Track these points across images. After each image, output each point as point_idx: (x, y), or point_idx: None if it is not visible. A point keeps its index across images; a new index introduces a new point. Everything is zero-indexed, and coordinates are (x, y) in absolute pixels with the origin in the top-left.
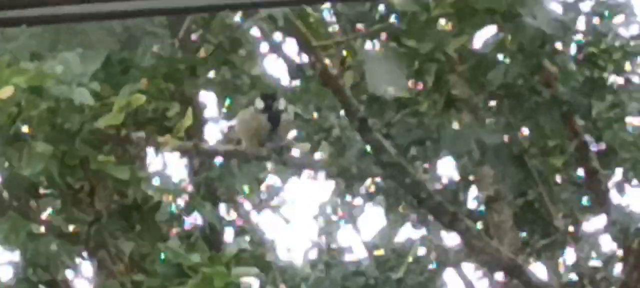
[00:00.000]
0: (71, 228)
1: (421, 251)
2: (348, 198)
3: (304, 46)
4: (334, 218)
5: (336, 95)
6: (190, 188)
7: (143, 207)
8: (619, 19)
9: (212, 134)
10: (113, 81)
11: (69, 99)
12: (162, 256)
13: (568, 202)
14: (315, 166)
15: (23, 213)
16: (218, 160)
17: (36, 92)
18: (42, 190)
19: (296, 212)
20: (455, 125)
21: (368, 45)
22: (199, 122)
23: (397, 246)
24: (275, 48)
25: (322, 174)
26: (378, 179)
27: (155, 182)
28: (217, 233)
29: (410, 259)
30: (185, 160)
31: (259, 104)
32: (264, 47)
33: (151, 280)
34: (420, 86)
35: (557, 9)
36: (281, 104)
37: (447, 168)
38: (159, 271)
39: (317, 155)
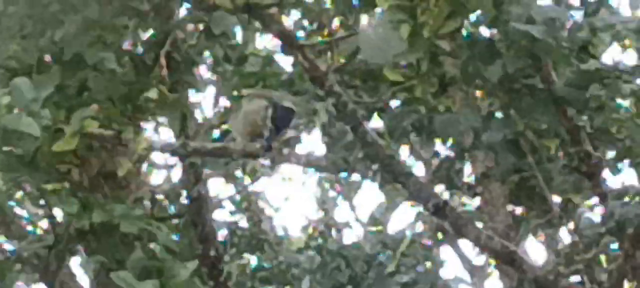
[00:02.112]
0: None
1: (419, 227)
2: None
3: (287, 45)
4: (331, 195)
5: (325, 89)
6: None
7: (100, 231)
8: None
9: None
10: (66, 105)
11: (16, 129)
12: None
13: (562, 184)
14: (305, 161)
15: None
16: None
17: None
18: None
19: (293, 188)
20: (451, 106)
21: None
22: (186, 120)
23: (390, 237)
24: None
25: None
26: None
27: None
28: (204, 212)
29: (406, 242)
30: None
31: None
32: None
33: None
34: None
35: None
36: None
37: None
38: None
39: (305, 150)
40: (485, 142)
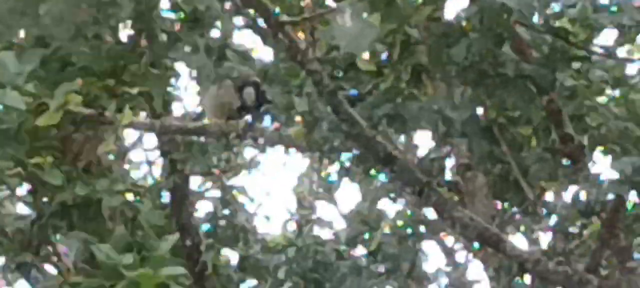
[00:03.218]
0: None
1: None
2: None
3: (271, 22)
4: (311, 190)
5: (305, 69)
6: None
7: (82, 206)
8: None
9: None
10: (50, 79)
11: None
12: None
13: (539, 173)
14: (287, 142)
15: None
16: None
17: None
18: None
19: (274, 182)
20: (423, 97)
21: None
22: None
23: (370, 219)
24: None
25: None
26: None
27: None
28: (180, 202)
29: (385, 230)
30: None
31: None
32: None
33: (90, 281)
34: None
35: None
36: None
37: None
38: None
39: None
40: (458, 130)
